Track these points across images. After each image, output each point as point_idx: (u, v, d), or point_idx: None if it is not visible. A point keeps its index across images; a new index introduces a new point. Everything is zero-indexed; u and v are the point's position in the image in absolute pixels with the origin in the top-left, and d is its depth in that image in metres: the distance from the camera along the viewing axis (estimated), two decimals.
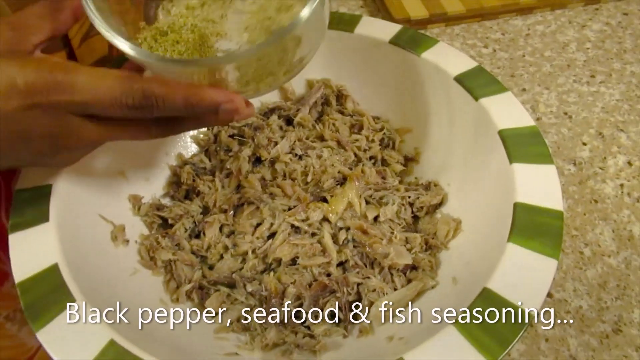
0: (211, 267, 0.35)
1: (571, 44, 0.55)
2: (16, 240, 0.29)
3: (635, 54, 0.53)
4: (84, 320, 0.26)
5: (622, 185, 0.42)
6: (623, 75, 0.51)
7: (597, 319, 0.34)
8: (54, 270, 0.27)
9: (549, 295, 0.36)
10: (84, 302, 0.26)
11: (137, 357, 0.24)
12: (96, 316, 0.26)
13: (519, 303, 0.26)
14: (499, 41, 0.55)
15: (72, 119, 0.25)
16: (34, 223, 0.29)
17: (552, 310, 0.35)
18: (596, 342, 0.33)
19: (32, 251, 0.28)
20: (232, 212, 0.37)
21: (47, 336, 0.25)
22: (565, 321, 0.34)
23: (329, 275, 0.33)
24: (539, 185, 0.31)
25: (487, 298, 0.26)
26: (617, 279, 0.36)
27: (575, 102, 0.49)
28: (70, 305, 0.26)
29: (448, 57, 0.39)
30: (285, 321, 0.32)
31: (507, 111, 0.35)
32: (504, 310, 0.26)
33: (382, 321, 0.31)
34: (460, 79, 0.38)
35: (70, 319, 0.26)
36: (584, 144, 0.45)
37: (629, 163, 0.43)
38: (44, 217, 0.30)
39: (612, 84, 0.50)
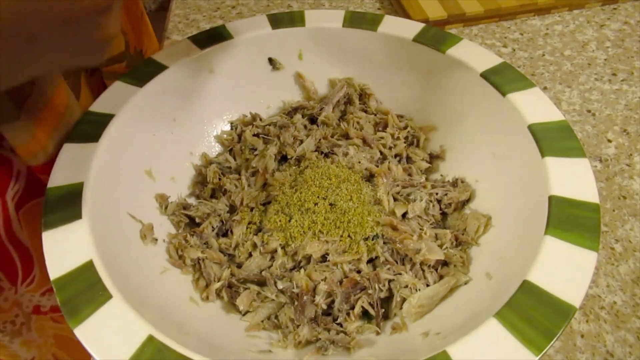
0: (239, 266, 0.35)
1: (591, 43, 0.55)
2: (50, 238, 0.29)
3: None
4: (121, 316, 0.25)
5: None
6: None
7: (632, 314, 0.34)
8: (89, 266, 0.27)
9: None
10: (121, 298, 0.26)
11: (177, 352, 0.24)
12: (133, 312, 0.26)
13: (561, 295, 0.25)
14: (517, 41, 0.56)
15: None
16: (66, 220, 0.29)
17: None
18: (633, 338, 0.33)
19: (66, 248, 0.28)
20: (259, 209, 0.37)
21: (85, 333, 0.25)
22: (600, 317, 0.34)
23: (359, 272, 0.33)
24: (573, 179, 0.31)
25: (528, 290, 0.26)
26: None
27: (598, 100, 0.48)
28: (107, 302, 0.26)
29: (473, 54, 0.39)
30: (317, 319, 0.31)
31: (535, 106, 0.35)
32: (546, 303, 0.25)
33: (415, 318, 0.31)
34: (486, 75, 0.38)
35: (108, 315, 0.25)
36: (609, 141, 0.45)
37: None
38: (76, 215, 0.30)
39: (634, 82, 0.50)
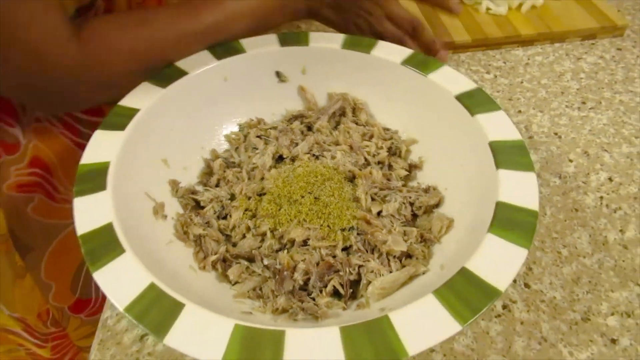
0: (234, 245, 0.41)
1: (566, 74, 0.60)
2: (80, 203, 0.35)
3: (625, 85, 0.58)
4: (131, 267, 0.31)
5: (601, 197, 0.46)
6: (612, 103, 0.56)
7: (568, 308, 0.39)
8: (109, 227, 0.34)
9: (527, 285, 0.40)
10: (132, 253, 0.32)
11: (171, 297, 0.30)
12: (140, 264, 0.32)
13: (490, 280, 0.31)
14: (500, 68, 0.61)
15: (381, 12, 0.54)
16: (94, 190, 0.36)
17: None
18: (566, 327, 0.38)
19: (92, 212, 0.34)
20: (255, 198, 0.43)
21: (102, 276, 0.31)
22: (540, 309, 0.38)
23: (334, 256, 0.39)
24: (519, 188, 0.36)
25: (465, 275, 0.31)
26: (590, 277, 0.41)
27: (565, 125, 0.54)
28: (121, 255, 0.32)
29: (451, 79, 0.45)
30: (294, 292, 0.37)
31: (498, 126, 0.41)
32: (477, 286, 0.30)
33: (377, 299, 0.36)
34: (460, 98, 0.43)
35: (120, 265, 0.32)
36: (570, 161, 0.50)
37: (610, 179, 0.48)
38: (102, 187, 0.36)
39: (601, 110, 0.55)
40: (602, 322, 0.38)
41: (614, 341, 0.37)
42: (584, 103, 0.56)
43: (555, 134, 0.53)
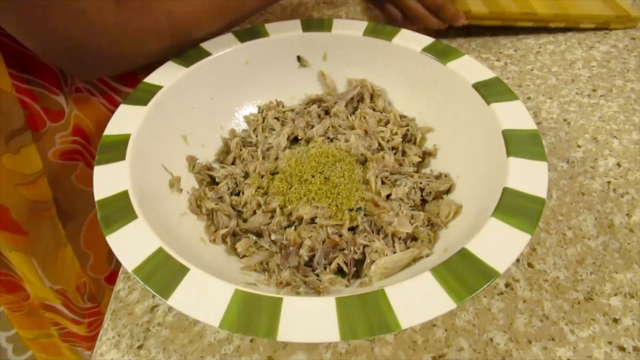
0: (245, 221, 0.42)
1: (578, 62, 0.59)
2: (100, 170, 0.37)
3: (637, 73, 0.57)
4: (141, 232, 0.33)
5: (609, 182, 0.46)
6: (623, 91, 0.55)
7: (571, 287, 0.38)
8: (124, 194, 0.35)
9: (530, 265, 0.40)
10: (143, 219, 0.34)
11: (177, 261, 0.31)
12: (150, 230, 0.33)
13: (489, 262, 0.31)
14: (511, 56, 0.61)
15: None
16: (114, 160, 0.38)
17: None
18: (568, 306, 0.37)
19: (110, 179, 0.36)
20: (268, 177, 0.44)
21: (114, 240, 0.33)
22: (542, 288, 0.38)
23: (340, 235, 0.39)
24: (529, 176, 0.36)
25: (464, 255, 0.31)
26: (594, 258, 0.40)
27: (575, 111, 0.53)
28: (133, 221, 0.34)
29: (469, 68, 0.45)
30: (299, 267, 0.38)
31: (513, 115, 0.40)
32: (475, 266, 0.31)
33: (380, 278, 0.37)
34: (477, 87, 0.43)
35: (132, 230, 0.33)
36: (579, 146, 0.49)
37: (618, 164, 0.47)
38: (121, 157, 0.38)
39: (611, 98, 0.54)
40: (605, 302, 0.37)
41: (616, 320, 0.36)
42: (594, 90, 0.55)
43: (565, 120, 0.52)
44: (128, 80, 0.54)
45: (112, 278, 0.65)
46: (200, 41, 0.48)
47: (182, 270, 0.31)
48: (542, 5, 0.62)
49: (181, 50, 0.47)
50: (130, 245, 0.33)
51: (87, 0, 0.40)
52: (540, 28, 0.64)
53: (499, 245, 0.32)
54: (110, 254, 0.62)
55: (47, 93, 0.50)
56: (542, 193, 0.34)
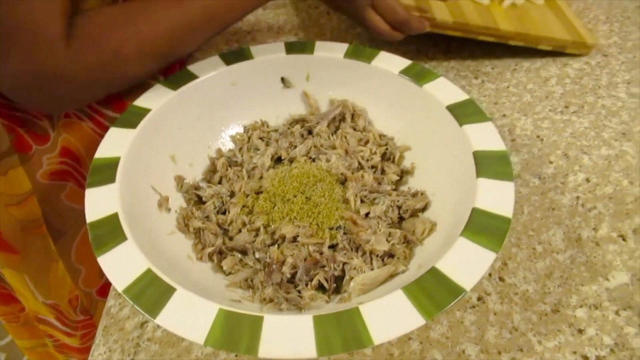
0: (231, 238, 0.44)
1: (552, 79, 0.62)
2: (91, 193, 0.39)
3: (608, 90, 0.60)
4: (131, 253, 0.35)
5: (578, 197, 0.48)
6: (594, 108, 0.58)
7: (539, 300, 0.41)
8: (115, 217, 0.37)
9: (502, 279, 0.42)
10: (132, 241, 0.36)
11: (164, 282, 0.33)
12: (139, 251, 0.35)
13: (457, 280, 0.33)
14: (488, 74, 0.64)
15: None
16: (104, 182, 0.40)
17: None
18: (536, 318, 0.40)
19: (101, 202, 0.38)
20: (252, 196, 0.46)
21: (105, 260, 0.34)
22: (513, 301, 0.41)
23: (321, 253, 0.41)
24: (496, 197, 0.38)
25: (434, 274, 0.33)
26: (562, 271, 0.43)
27: (548, 128, 0.56)
28: (123, 242, 0.36)
29: (444, 90, 0.47)
30: (282, 284, 0.40)
31: (484, 137, 0.43)
32: (444, 284, 0.33)
33: (358, 294, 0.39)
34: (450, 108, 0.45)
35: (121, 251, 0.35)
36: (550, 162, 0.52)
37: (587, 180, 0.50)
38: (112, 179, 0.40)
39: (583, 114, 0.57)
40: (571, 314, 0.40)
41: (580, 331, 0.39)
42: (567, 107, 0.58)
43: (538, 136, 0.55)
44: (116, 106, 0.56)
45: (104, 290, 0.67)
46: (192, 51, 0.50)
47: (169, 290, 0.33)
48: (505, 22, 0.64)
49: (169, 64, 0.49)
50: (120, 266, 0.34)
51: (36, 43, 0.40)
52: (525, 47, 0.67)
53: (467, 263, 0.34)
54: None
55: (31, 117, 0.52)
56: (508, 213, 0.37)
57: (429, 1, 0.64)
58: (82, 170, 0.56)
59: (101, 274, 0.64)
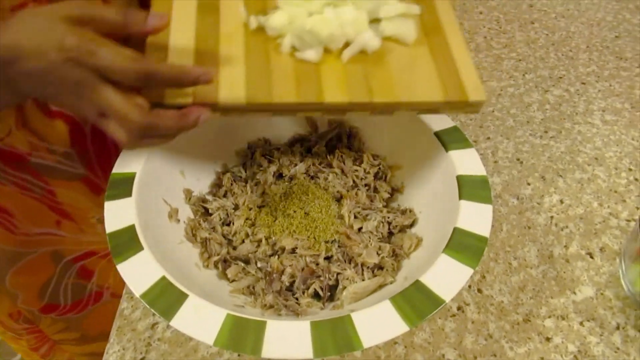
0: (234, 248, 0.48)
1: (534, 105, 0.67)
2: (109, 206, 0.43)
3: (585, 117, 0.65)
4: (147, 262, 0.39)
5: (552, 217, 0.53)
6: (571, 133, 0.63)
7: (512, 311, 0.45)
8: (132, 228, 0.41)
9: (480, 291, 0.47)
10: (148, 251, 0.40)
11: (178, 288, 0.37)
12: (155, 260, 0.39)
13: (438, 292, 0.37)
14: None
15: (94, 76, 0.33)
16: (121, 196, 0.43)
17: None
18: (509, 327, 0.44)
19: (119, 214, 0.42)
20: (255, 210, 0.50)
21: (124, 268, 0.38)
22: (488, 311, 0.45)
23: (317, 264, 0.46)
24: (476, 217, 0.42)
25: (417, 287, 0.38)
26: (534, 285, 0.48)
27: (527, 151, 0.61)
28: (140, 252, 0.40)
29: (433, 116, 0.51)
30: (281, 291, 0.44)
31: (467, 162, 0.47)
32: (426, 295, 0.37)
33: (350, 302, 0.43)
34: (438, 134, 0.50)
35: (139, 260, 0.39)
36: (528, 184, 0.57)
37: (561, 201, 0.55)
38: (128, 193, 0.44)
39: (560, 139, 0.62)
40: (540, 324, 0.45)
41: (548, 339, 0.44)
42: (546, 132, 0.63)
43: (518, 159, 0.60)
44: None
45: (47, 309, 0.65)
46: None
47: (182, 296, 0.37)
48: (338, 86, 0.41)
49: None
50: (137, 273, 0.38)
51: None
52: (503, 71, 0.71)
53: (448, 277, 0.38)
54: (41, 290, 0.63)
55: None
56: (485, 233, 0.41)
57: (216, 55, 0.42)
58: (13, 220, 0.56)
59: (42, 295, 0.64)
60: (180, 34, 0.42)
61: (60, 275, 0.62)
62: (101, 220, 0.55)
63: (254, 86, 0.40)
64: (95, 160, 0.57)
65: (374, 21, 0.44)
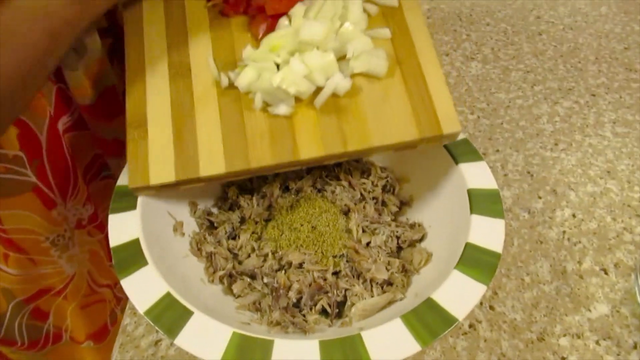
0: (240, 263, 0.47)
1: (543, 117, 0.66)
2: (114, 219, 0.42)
3: (595, 129, 0.64)
4: (151, 277, 0.38)
5: (564, 232, 0.52)
6: (582, 146, 0.62)
7: (526, 329, 0.44)
8: (136, 242, 0.40)
9: (492, 308, 0.46)
10: (153, 265, 0.39)
11: (183, 305, 0.36)
12: (159, 276, 0.38)
13: (450, 310, 0.36)
14: (483, 110, 0.67)
15: None
16: (126, 209, 0.43)
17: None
18: (523, 345, 0.43)
19: (123, 227, 0.41)
20: (261, 223, 0.49)
21: (128, 283, 0.38)
22: (501, 328, 0.44)
23: (325, 279, 0.44)
24: (488, 232, 0.41)
25: (429, 304, 0.37)
26: (547, 302, 0.46)
27: (538, 164, 0.60)
28: (144, 267, 0.39)
29: None
30: (288, 308, 0.43)
31: (478, 175, 0.46)
32: (439, 313, 0.36)
33: (358, 319, 0.42)
34: (447, 147, 0.49)
35: (143, 275, 0.38)
36: (539, 197, 0.55)
37: (573, 215, 0.53)
38: (133, 206, 0.43)
39: (571, 152, 0.61)
40: (555, 342, 0.43)
41: (563, 359, 0.42)
42: (556, 144, 0.62)
43: (528, 172, 0.59)
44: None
45: (4, 343, 0.62)
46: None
47: (187, 313, 0.36)
48: (312, 139, 0.42)
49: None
50: (141, 289, 0.37)
51: None
52: (511, 83, 0.71)
53: (460, 294, 0.37)
54: None
55: None
56: (498, 248, 0.40)
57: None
58: None
59: None
60: (157, 103, 0.45)
61: (13, 314, 0.59)
62: (54, 243, 0.54)
63: (231, 155, 0.42)
64: (49, 168, 0.53)
65: (343, 57, 0.44)
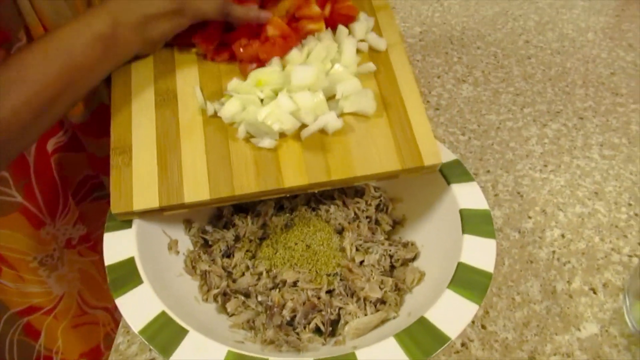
0: (234, 281, 0.47)
1: (532, 139, 0.68)
2: (109, 237, 0.42)
3: (583, 151, 0.66)
4: (146, 296, 0.38)
5: (554, 252, 0.53)
6: (570, 167, 0.64)
7: (517, 347, 0.45)
8: (131, 260, 0.40)
9: (484, 327, 0.46)
10: (148, 284, 0.39)
11: (178, 324, 0.36)
12: (154, 294, 0.38)
13: (443, 329, 0.36)
14: (474, 131, 0.69)
15: None
16: (122, 227, 0.43)
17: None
18: None
19: (118, 246, 0.41)
20: (256, 242, 0.49)
21: (123, 302, 0.38)
22: (493, 347, 0.44)
23: (319, 298, 0.45)
24: (480, 252, 0.42)
25: (422, 323, 0.37)
26: (538, 321, 0.47)
27: (527, 185, 0.61)
28: (139, 285, 0.39)
29: None
30: (281, 326, 0.43)
31: (469, 196, 0.47)
32: (431, 332, 0.36)
33: (352, 337, 0.42)
34: (440, 168, 0.50)
35: (138, 294, 0.38)
36: (529, 218, 0.56)
37: (562, 236, 0.54)
38: (128, 225, 0.43)
39: (560, 173, 0.62)
40: None
41: None
42: (545, 166, 0.64)
43: (518, 193, 0.60)
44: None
45: None
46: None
47: (182, 332, 0.36)
48: (297, 169, 0.43)
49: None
50: (136, 308, 0.37)
51: None
52: (501, 105, 0.72)
53: (452, 314, 0.38)
54: None
55: None
56: (490, 268, 0.41)
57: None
58: None
59: None
60: (142, 129, 0.45)
61: (5, 328, 0.59)
62: (43, 263, 0.54)
63: (216, 181, 0.43)
64: (37, 188, 0.53)
65: (332, 97, 0.45)
